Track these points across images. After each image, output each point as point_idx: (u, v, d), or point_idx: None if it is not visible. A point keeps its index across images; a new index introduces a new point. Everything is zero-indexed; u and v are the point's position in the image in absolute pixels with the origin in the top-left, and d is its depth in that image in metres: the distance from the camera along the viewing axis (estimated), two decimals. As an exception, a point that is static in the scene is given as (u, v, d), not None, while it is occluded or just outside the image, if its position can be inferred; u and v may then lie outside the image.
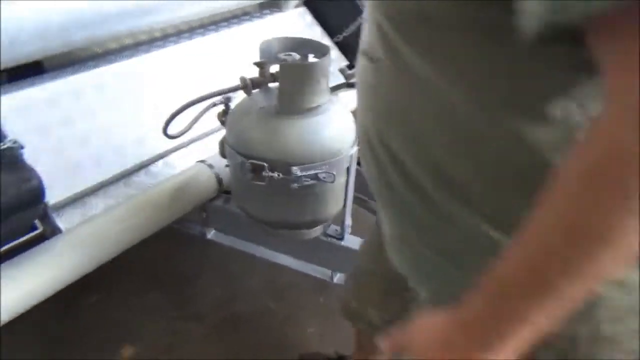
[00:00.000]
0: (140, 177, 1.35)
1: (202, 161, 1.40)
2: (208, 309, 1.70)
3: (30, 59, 1.19)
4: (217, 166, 1.39)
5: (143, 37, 1.56)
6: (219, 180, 1.38)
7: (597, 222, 0.36)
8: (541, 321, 0.41)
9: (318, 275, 1.39)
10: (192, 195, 1.34)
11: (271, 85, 1.12)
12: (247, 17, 1.86)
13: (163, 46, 1.53)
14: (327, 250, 1.31)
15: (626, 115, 0.34)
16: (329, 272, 1.39)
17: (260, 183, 1.08)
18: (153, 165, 1.39)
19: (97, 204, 1.26)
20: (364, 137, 0.61)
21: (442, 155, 0.51)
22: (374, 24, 0.55)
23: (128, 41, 1.54)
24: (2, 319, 0.99)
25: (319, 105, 1.10)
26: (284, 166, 1.06)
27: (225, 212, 1.42)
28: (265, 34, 1.15)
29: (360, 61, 0.60)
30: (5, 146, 0.94)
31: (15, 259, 1.06)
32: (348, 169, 1.17)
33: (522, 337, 0.42)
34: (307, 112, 1.09)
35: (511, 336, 0.42)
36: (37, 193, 0.92)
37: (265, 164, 1.06)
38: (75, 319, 1.61)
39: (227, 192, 1.42)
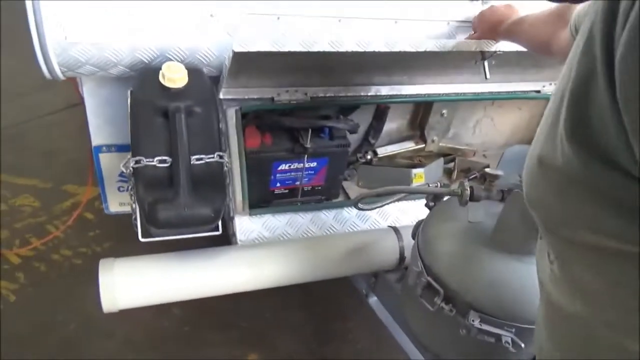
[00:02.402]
0: (329, 217, 1.29)
1: (394, 228, 1.27)
2: (347, 356, 1.60)
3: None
4: (406, 239, 1.24)
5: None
6: (402, 257, 1.24)
7: None
8: None
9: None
10: (370, 259, 1.23)
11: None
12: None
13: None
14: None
15: None
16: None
17: (427, 305, 0.90)
18: (347, 209, 1.32)
19: (278, 226, 1.26)
20: None
21: None
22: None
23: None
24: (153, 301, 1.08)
25: (531, 251, 0.84)
26: (464, 306, 0.85)
27: (393, 289, 1.27)
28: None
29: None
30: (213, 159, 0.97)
31: (196, 251, 1.14)
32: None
33: None
34: (519, 254, 0.84)
35: None
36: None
37: (441, 291, 0.87)
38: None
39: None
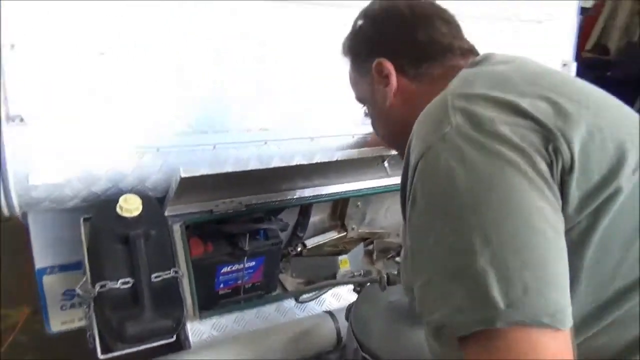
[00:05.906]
0: (271, 310, 1.45)
1: (329, 312, 1.45)
2: None
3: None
4: (341, 321, 1.42)
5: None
6: (339, 338, 1.41)
7: None
8: None
9: None
10: (312, 343, 1.39)
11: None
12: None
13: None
14: None
15: None
16: None
17: (366, 377, 1.07)
18: (287, 301, 1.48)
19: (226, 324, 1.39)
20: None
21: None
22: None
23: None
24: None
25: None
26: (394, 373, 1.04)
27: (335, 368, 1.43)
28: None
29: None
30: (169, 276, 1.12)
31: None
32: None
33: None
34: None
35: None
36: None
37: (376, 364, 1.05)
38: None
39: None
